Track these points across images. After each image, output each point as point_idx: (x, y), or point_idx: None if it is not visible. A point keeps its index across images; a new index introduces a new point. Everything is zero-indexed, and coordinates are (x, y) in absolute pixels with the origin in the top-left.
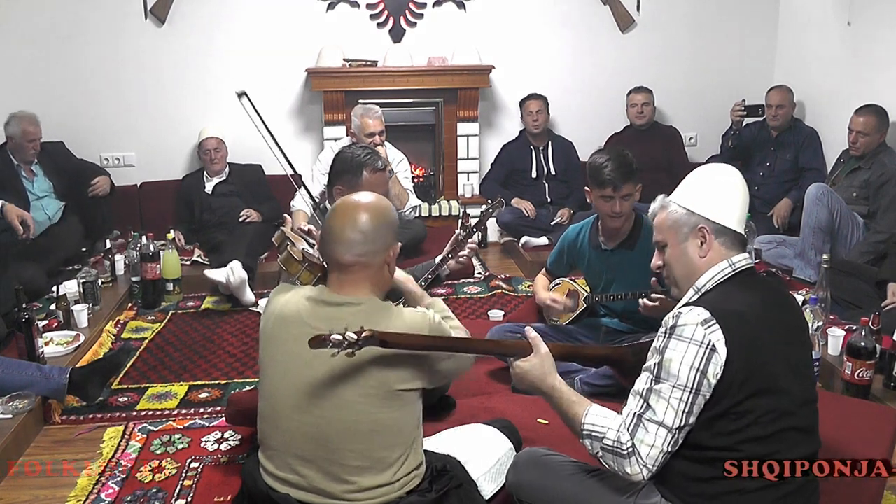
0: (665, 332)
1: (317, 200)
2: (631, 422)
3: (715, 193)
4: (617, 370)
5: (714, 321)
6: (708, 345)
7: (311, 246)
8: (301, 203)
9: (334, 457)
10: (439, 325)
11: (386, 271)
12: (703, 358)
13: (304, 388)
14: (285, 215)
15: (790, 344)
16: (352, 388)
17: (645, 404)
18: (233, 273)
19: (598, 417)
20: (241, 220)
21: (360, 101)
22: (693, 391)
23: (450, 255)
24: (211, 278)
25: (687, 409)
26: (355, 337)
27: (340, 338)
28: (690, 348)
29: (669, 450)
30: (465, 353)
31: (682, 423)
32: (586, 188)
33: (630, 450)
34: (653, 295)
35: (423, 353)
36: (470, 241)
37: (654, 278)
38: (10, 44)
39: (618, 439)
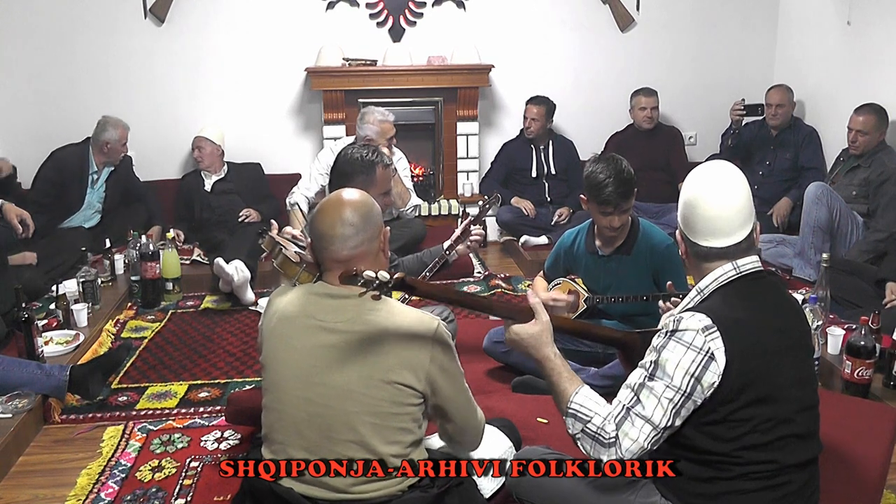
0: (665, 334)
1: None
2: (619, 413)
3: (688, 203)
4: (624, 356)
5: (715, 329)
6: (707, 352)
7: (302, 248)
8: (299, 201)
9: (337, 448)
10: (445, 335)
11: (381, 256)
12: (700, 364)
13: (308, 377)
14: (272, 221)
15: (792, 350)
16: (356, 377)
17: (635, 398)
18: (237, 272)
19: (587, 400)
20: (240, 220)
21: (360, 100)
22: (685, 395)
23: (458, 240)
24: (222, 268)
25: (675, 411)
26: (388, 276)
27: (373, 275)
28: (689, 353)
29: (649, 447)
30: (468, 307)
31: (669, 423)
32: (582, 196)
33: (612, 440)
34: (673, 298)
35: (427, 355)
36: (478, 227)
37: (669, 282)
38: (10, 43)
39: (602, 427)
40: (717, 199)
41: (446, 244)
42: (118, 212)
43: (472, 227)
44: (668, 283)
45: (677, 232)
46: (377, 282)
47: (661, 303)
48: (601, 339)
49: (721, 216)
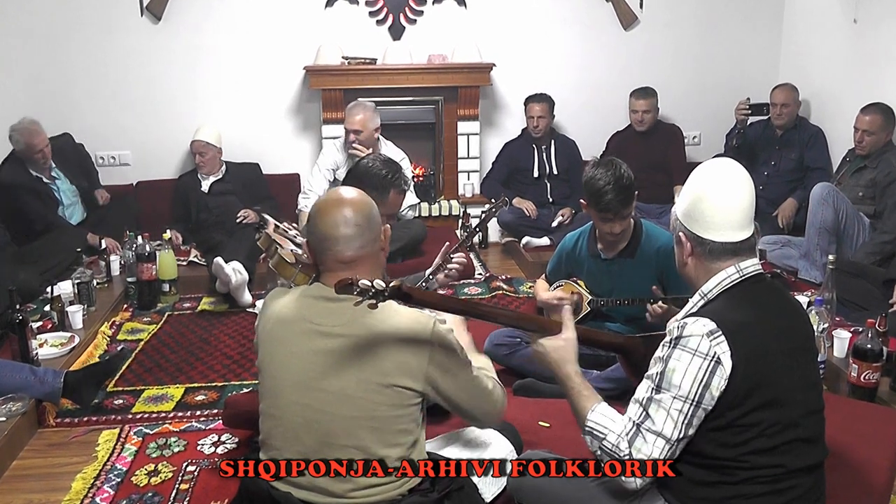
0: (670, 342)
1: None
2: (630, 430)
3: (695, 200)
4: (626, 361)
5: (720, 333)
6: (713, 357)
7: (299, 246)
8: (308, 206)
9: (336, 454)
10: (443, 334)
11: (382, 256)
12: (707, 370)
13: (305, 383)
14: (266, 217)
15: (796, 354)
16: (354, 382)
17: (644, 413)
18: (234, 273)
19: (602, 417)
20: (238, 220)
21: (360, 99)
22: (694, 403)
23: (439, 268)
24: (221, 268)
25: (686, 421)
26: (383, 285)
27: (369, 284)
28: (695, 360)
29: (665, 460)
30: (489, 320)
31: (681, 435)
32: (582, 200)
33: (626, 458)
34: (659, 302)
35: (425, 356)
36: (456, 256)
37: (654, 285)
38: (5, 42)
39: (617, 445)
40: (731, 190)
41: (428, 271)
42: (106, 209)
43: (453, 256)
44: (654, 286)
45: (679, 234)
46: (373, 290)
47: (648, 306)
48: (602, 345)
49: (735, 207)
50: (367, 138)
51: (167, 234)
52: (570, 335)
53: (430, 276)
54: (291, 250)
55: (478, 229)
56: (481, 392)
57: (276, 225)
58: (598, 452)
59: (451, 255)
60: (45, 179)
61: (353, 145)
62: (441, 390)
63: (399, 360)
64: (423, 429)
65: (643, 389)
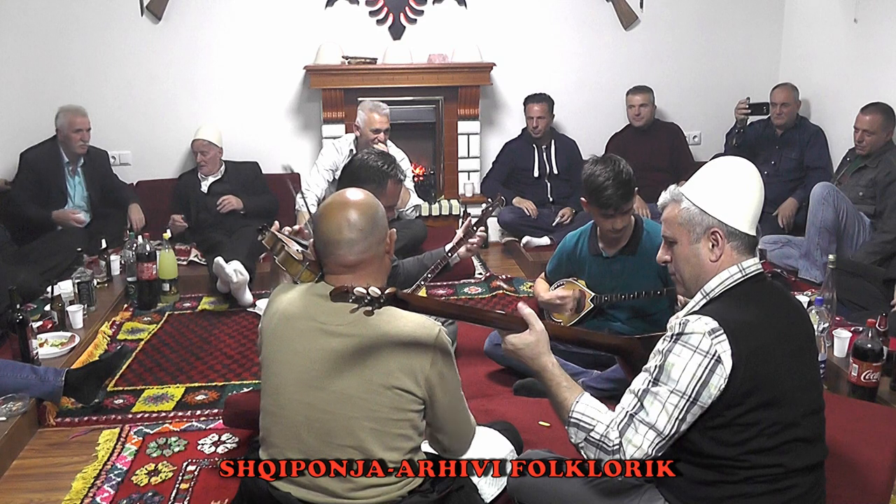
0: (671, 337)
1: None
2: (622, 420)
3: (731, 194)
4: (625, 362)
5: (722, 332)
6: (714, 355)
7: (304, 247)
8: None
9: (336, 454)
10: (446, 342)
11: (387, 259)
12: (706, 368)
13: (308, 381)
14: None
15: (797, 354)
16: (356, 382)
17: (639, 404)
18: (235, 274)
19: (589, 408)
20: (218, 207)
21: (360, 98)
22: (690, 400)
23: (460, 242)
24: (222, 268)
25: (680, 417)
26: (379, 292)
27: (364, 291)
28: (695, 357)
29: (654, 454)
30: (463, 320)
31: (674, 430)
32: (582, 199)
33: (616, 448)
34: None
35: (427, 360)
36: (480, 230)
37: (657, 282)
38: (5, 41)
39: (606, 435)
40: (758, 185)
41: (448, 247)
42: (111, 213)
43: (473, 230)
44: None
45: (709, 234)
46: (368, 297)
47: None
48: (600, 347)
49: (760, 201)
50: (387, 136)
51: (167, 234)
52: (539, 328)
53: (451, 252)
54: (298, 249)
55: (475, 228)
56: (464, 413)
57: (279, 227)
58: (583, 444)
59: (472, 230)
60: (66, 173)
61: (379, 143)
62: (435, 399)
63: (402, 363)
64: (422, 434)
65: (640, 381)
